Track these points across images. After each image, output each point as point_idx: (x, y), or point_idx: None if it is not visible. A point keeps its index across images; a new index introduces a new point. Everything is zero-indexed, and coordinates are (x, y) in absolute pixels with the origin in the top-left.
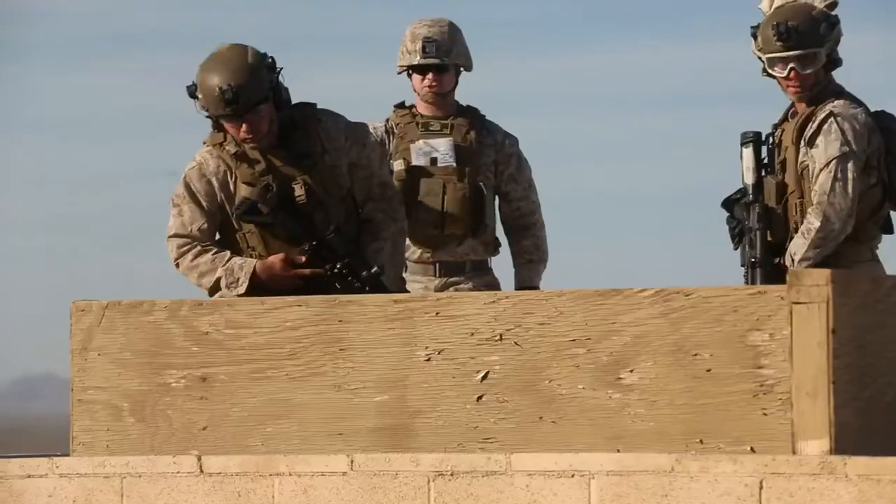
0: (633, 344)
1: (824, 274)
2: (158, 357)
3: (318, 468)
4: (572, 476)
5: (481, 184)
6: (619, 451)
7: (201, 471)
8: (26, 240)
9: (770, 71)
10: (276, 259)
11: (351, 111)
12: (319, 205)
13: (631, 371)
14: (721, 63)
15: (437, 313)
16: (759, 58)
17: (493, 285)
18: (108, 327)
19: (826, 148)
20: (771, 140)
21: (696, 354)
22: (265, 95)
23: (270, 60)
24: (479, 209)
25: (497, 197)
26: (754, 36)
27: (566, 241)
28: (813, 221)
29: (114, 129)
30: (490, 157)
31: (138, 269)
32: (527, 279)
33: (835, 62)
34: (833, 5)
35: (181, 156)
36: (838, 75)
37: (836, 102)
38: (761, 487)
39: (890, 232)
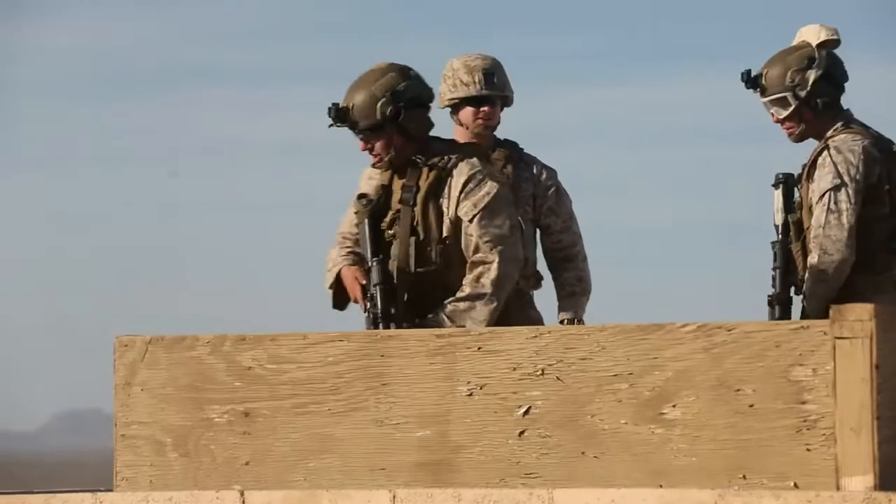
0: (675, 379)
1: (868, 309)
2: (201, 392)
3: (360, 503)
4: None
5: (519, 218)
6: (661, 486)
7: None
8: (76, 273)
9: None
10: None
11: None
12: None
13: (673, 406)
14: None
15: (478, 348)
16: None
17: (536, 320)
18: (151, 362)
19: (819, 182)
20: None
21: (738, 389)
22: None
23: None
24: None
25: (538, 230)
26: None
27: (608, 274)
28: (812, 256)
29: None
30: (528, 191)
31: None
32: (570, 313)
33: (824, 99)
34: (827, 44)
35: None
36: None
37: (837, 136)
38: None
39: None
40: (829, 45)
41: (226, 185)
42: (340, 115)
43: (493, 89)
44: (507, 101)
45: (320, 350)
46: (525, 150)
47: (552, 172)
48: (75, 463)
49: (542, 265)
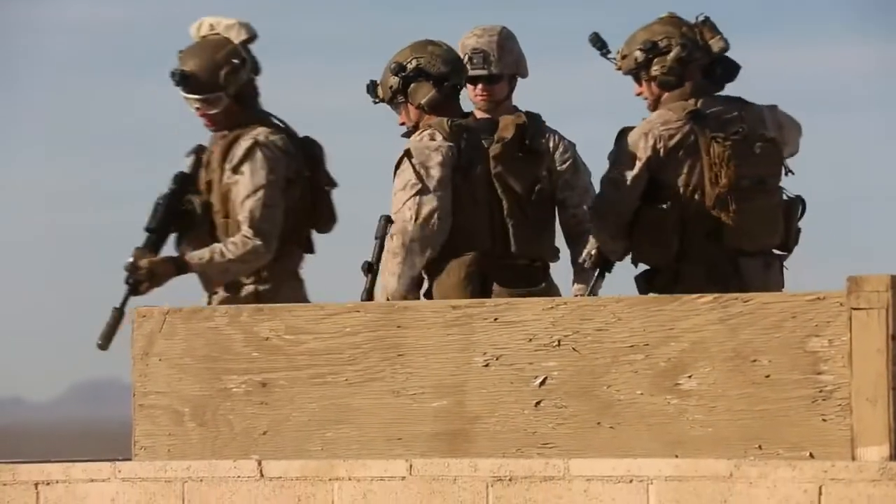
0: (691, 350)
1: (884, 279)
2: (219, 362)
3: (377, 473)
4: (630, 481)
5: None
6: (677, 456)
7: (262, 475)
8: (96, 248)
9: None
10: None
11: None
12: None
13: (689, 377)
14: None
15: (495, 319)
16: None
17: (550, 292)
18: (169, 333)
19: (252, 175)
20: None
21: (754, 360)
22: None
23: None
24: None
25: (555, 204)
26: None
27: None
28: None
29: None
30: (542, 165)
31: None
32: (583, 288)
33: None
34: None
35: None
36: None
37: (258, 130)
38: (820, 493)
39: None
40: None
41: None
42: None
43: (477, 69)
44: (517, 74)
45: (337, 321)
46: (545, 123)
47: (569, 145)
48: (94, 432)
49: (559, 239)
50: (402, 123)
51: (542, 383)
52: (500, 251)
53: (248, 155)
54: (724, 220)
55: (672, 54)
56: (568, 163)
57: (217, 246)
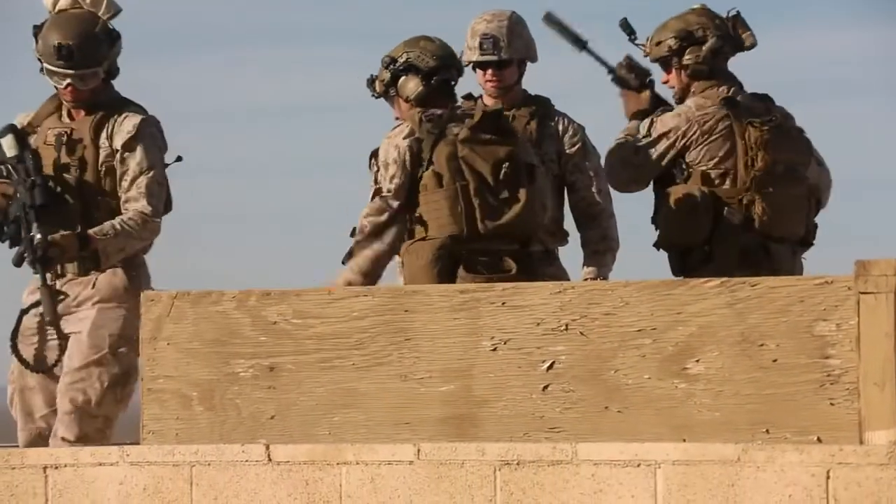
0: (699, 334)
1: (892, 263)
2: (227, 346)
3: (384, 457)
4: (638, 465)
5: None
6: (684, 440)
7: (269, 459)
8: None
9: None
10: None
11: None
12: None
13: (697, 361)
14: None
15: (503, 303)
16: None
17: (557, 276)
18: (177, 317)
19: (146, 153)
20: None
21: (762, 345)
22: None
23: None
24: None
25: (565, 187)
26: None
27: (633, 231)
28: None
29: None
30: (552, 148)
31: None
32: (593, 271)
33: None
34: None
35: None
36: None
37: (133, 108)
38: (828, 477)
39: None
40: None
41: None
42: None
43: (487, 55)
44: (527, 58)
45: (345, 305)
46: (555, 107)
47: (578, 128)
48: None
49: (569, 222)
50: (397, 117)
51: (550, 367)
52: (470, 234)
53: (139, 133)
54: (758, 205)
55: (708, 45)
56: (577, 146)
57: (115, 222)
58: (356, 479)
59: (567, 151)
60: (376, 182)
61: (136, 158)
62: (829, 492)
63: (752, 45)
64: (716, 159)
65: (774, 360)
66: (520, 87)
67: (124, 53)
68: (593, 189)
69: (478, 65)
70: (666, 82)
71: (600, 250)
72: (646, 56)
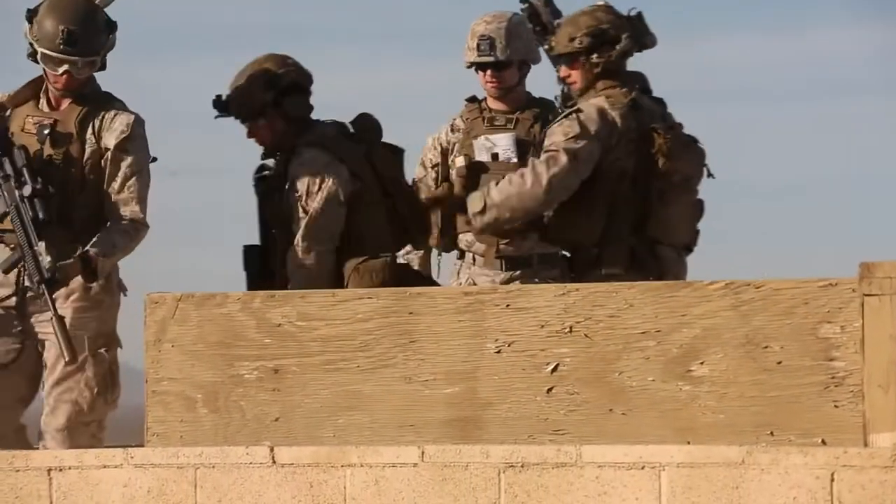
0: (703, 336)
1: None
2: (231, 349)
3: (389, 459)
4: (642, 468)
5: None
6: (689, 443)
7: (273, 462)
8: None
9: None
10: None
11: (434, 104)
12: None
13: (701, 363)
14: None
15: (507, 305)
16: None
17: (559, 279)
18: (181, 319)
19: (138, 154)
20: None
21: (766, 347)
22: None
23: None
24: None
25: None
26: None
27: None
28: None
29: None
30: None
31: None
32: None
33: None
34: None
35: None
36: None
37: (118, 104)
38: (832, 480)
39: None
40: None
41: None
42: (221, 106)
43: (484, 56)
44: (528, 60)
45: (349, 307)
46: (558, 109)
47: None
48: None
49: None
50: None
51: (554, 370)
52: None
53: (133, 134)
54: (653, 211)
55: (621, 45)
56: None
57: (115, 238)
58: (360, 481)
59: None
60: None
61: (128, 160)
62: (834, 494)
63: (654, 46)
64: (618, 160)
65: (779, 363)
66: (523, 89)
67: (124, 53)
68: None
69: (477, 66)
70: (566, 77)
71: None
72: (549, 50)
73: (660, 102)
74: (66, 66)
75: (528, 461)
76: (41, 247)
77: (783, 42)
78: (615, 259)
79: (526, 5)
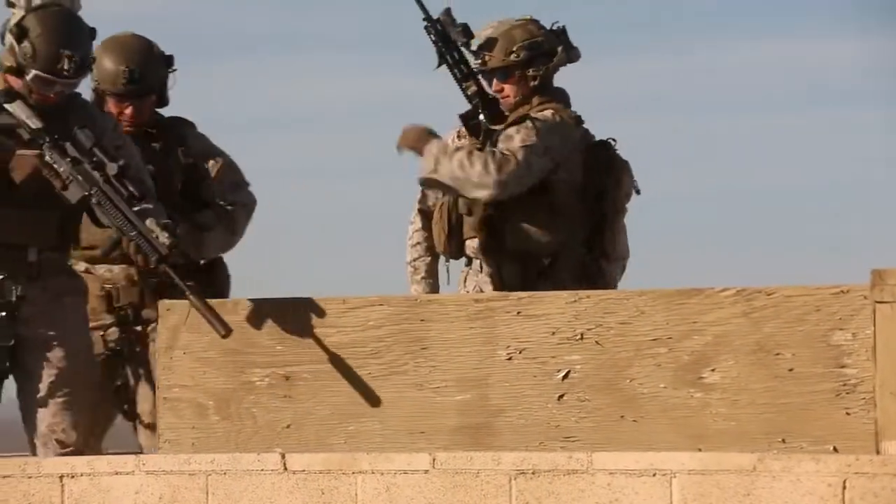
0: (714, 343)
1: None
2: (243, 356)
3: (400, 466)
4: (654, 475)
5: None
6: (700, 450)
7: (285, 468)
8: None
9: None
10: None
11: (440, 110)
12: None
13: (712, 370)
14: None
15: (518, 312)
16: None
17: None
18: (193, 326)
19: None
20: None
21: (778, 354)
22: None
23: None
24: None
25: None
26: None
27: (648, 241)
28: None
29: None
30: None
31: None
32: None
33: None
34: None
35: None
36: None
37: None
38: (844, 487)
39: None
40: None
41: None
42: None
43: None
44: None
45: (360, 314)
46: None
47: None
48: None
49: None
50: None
51: (566, 377)
52: None
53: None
54: (606, 225)
55: (557, 59)
56: None
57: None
58: (371, 488)
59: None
60: None
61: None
62: (846, 502)
63: (578, 60)
64: (570, 174)
65: (790, 370)
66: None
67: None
68: None
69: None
70: (500, 91)
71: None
72: (482, 63)
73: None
74: (62, 87)
75: (540, 468)
76: (150, 223)
77: (788, 46)
78: (564, 271)
79: (429, 24)
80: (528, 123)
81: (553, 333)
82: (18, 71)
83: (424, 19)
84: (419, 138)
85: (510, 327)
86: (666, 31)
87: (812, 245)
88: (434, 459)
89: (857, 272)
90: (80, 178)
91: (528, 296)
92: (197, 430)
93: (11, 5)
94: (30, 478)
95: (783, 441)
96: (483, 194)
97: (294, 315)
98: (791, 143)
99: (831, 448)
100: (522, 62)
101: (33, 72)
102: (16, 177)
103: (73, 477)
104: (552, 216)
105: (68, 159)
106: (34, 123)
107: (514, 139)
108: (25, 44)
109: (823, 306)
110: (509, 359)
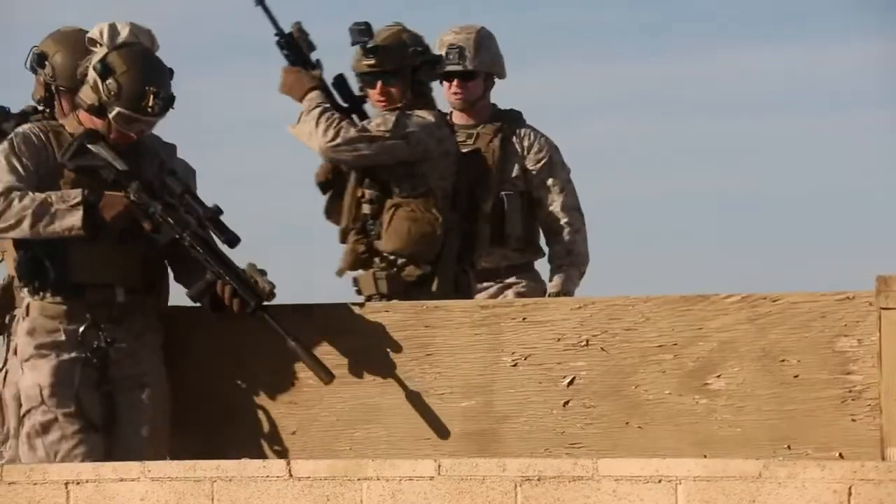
0: (719, 349)
1: None
2: (248, 361)
3: (405, 473)
4: (659, 481)
5: (503, 194)
6: (705, 456)
7: (290, 475)
8: None
9: None
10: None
11: None
12: None
13: (718, 377)
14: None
15: (523, 319)
16: None
17: (531, 285)
18: (200, 331)
19: None
20: None
21: (783, 360)
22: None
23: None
24: (498, 220)
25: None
26: None
27: (651, 246)
28: None
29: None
30: (514, 165)
31: None
32: (556, 286)
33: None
34: None
35: None
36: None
37: None
38: (850, 494)
39: None
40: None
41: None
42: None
43: (452, 65)
44: (494, 73)
45: (366, 321)
46: (526, 123)
47: (545, 144)
48: None
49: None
50: None
51: (571, 383)
52: None
53: None
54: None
55: (439, 64)
56: (542, 162)
57: None
58: (377, 494)
59: (531, 168)
60: None
61: None
62: None
63: (443, 71)
64: (443, 181)
65: (796, 376)
66: (487, 102)
67: None
68: (558, 205)
69: (444, 76)
70: (384, 93)
71: (565, 265)
72: (372, 66)
73: None
74: (136, 126)
75: (545, 475)
76: (249, 268)
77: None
78: (444, 280)
79: (280, 38)
80: (399, 114)
81: (558, 340)
82: (100, 109)
83: (276, 34)
84: (294, 87)
85: (515, 334)
86: (679, 35)
87: (817, 251)
88: (439, 466)
89: (862, 278)
90: (170, 220)
91: (533, 302)
92: (202, 436)
93: (94, 43)
94: (35, 484)
95: (788, 447)
96: (316, 150)
97: (300, 321)
98: (802, 149)
99: (837, 454)
100: (412, 67)
101: (117, 109)
102: (105, 215)
103: (78, 483)
104: (433, 221)
105: (158, 202)
106: (120, 165)
107: (377, 118)
108: (111, 81)
109: (829, 313)
110: (514, 365)
